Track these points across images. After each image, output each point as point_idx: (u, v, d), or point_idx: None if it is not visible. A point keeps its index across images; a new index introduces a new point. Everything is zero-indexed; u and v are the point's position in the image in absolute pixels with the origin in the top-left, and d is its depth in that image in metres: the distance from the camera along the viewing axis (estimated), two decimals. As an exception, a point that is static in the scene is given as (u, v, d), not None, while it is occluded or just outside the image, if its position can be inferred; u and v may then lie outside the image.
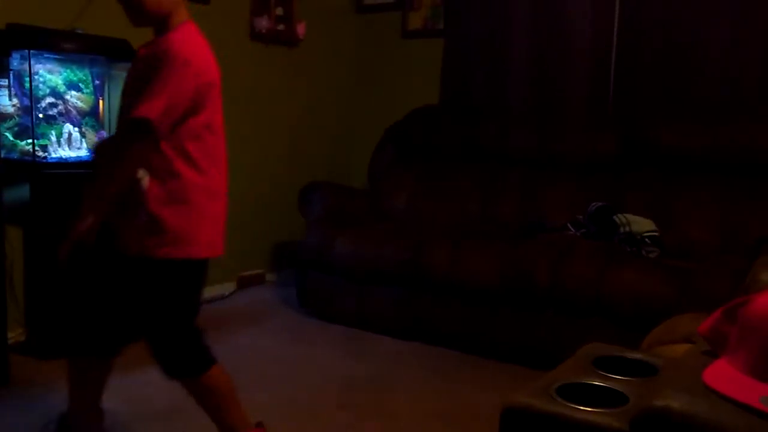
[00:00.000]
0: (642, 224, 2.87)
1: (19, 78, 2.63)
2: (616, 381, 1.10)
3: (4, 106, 2.56)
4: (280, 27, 3.85)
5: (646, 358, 1.20)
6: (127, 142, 1.66)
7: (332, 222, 3.29)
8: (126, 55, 2.83)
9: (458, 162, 3.65)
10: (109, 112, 2.97)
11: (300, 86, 4.05)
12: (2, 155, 2.38)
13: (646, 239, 2.82)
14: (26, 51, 2.54)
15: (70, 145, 2.71)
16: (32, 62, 2.57)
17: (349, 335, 3.06)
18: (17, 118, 2.65)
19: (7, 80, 2.59)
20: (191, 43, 1.71)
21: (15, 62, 2.60)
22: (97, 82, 2.93)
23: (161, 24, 1.73)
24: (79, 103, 2.85)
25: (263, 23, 3.70)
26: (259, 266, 3.94)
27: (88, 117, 2.89)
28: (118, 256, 1.73)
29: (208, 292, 3.60)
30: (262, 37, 3.76)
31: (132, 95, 1.67)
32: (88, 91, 2.89)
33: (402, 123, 3.85)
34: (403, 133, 3.83)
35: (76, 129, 2.77)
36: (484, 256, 2.82)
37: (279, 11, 3.84)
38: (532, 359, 2.68)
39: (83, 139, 2.78)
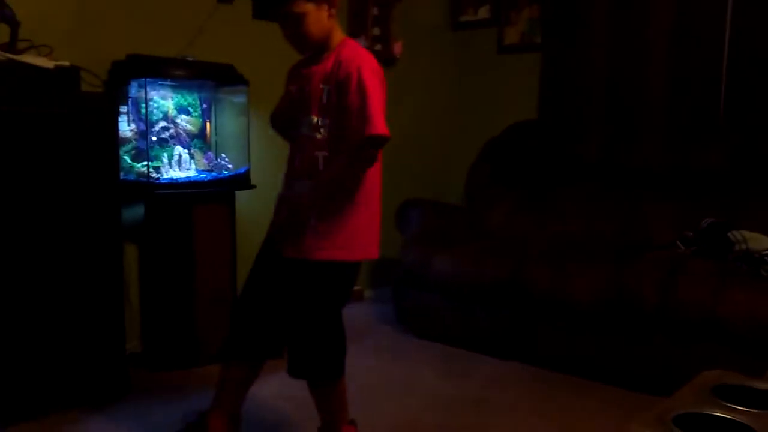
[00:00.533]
0: (761, 241, 2.69)
1: (136, 104, 2.80)
2: (740, 413, 1.02)
3: (123, 131, 2.73)
4: (378, 47, 3.92)
5: (774, 388, 1.12)
6: (370, 159, 1.84)
7: (429, 239, 3.28)
8: (231, 79, 2.97)
9: (557, 178, 3.56)
10: (216, 134, 3.11)
11: (397, 104, 4.07)
12: (121, 177, 2.53)
13: (766, 257, 2.64)
14: (143, 79, 2.71)
15: (180, 166, 2.86)
16: (148, 89, 2.73)
17: (447, 354, 3.04)
18: (134, 142, 2.82)
19: (126, 107, 2.77)
20: (365, 54, 1.85)
21: (133, 90, 2.77)
22: (204, 105, 3.07)
23: (324, 45, 1.87)
24: (189, 126, 3.00)
25: (361, 43, 3.77)
26: (357, 283, 3.97)
27: (197, 139, 3.03)
28: (281, 260, 1.87)
29: (308, 307, 3.67)
30: (359, 58, 3.83)
31: (327, 113, 1.82)
32: (196, 114, 3.04)
33: (499, 139, 3.80)
34: (500, 149, 3.78)
35: (186, 151, 2.91)
36: (586, 275, 2.72)
37: (376, 31, 3.90)
38: (640, 383, 2.55)
39: (192, 160, 2.92)
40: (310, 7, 1.79)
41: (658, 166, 3.27)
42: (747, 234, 2.73)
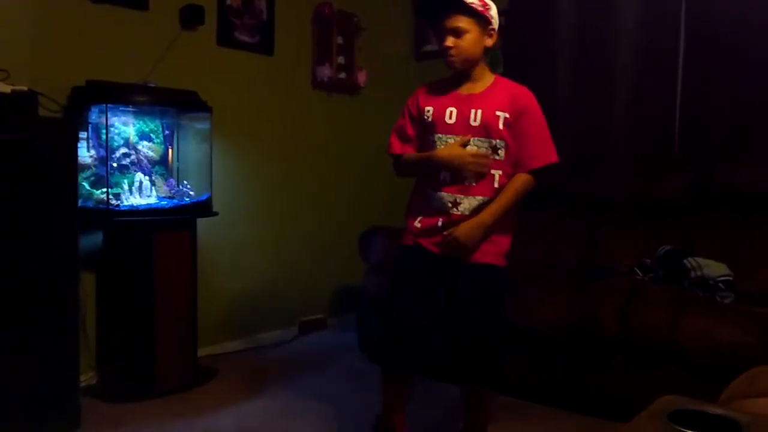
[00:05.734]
0: (715, 268, 2.75)
1: (96, 131, 2.76)
2: (695, 438, 1.04)
3: (82, 157, 2.69)
4: (342, 75, 3.95)
5: (728, 413, 1.13)
6: (533, 187, 2.08)
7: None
8: (194, 106, 2.95)
9: (518, 207, 3.59)
10: (178, 160, 3.09)
11: (361, 133, 4.12)
12: (79, 204, 2.48)
13: (720, 284, 2.70)
14: (104, 105, 2.67)
15: (140, 193, 2.82)
16: (108, 115, 2.70)
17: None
18: (94, 169, 2.77)
19: (86, 133, 2.73)
20: (529, 90, 2.09)
21: (93, 116, 2.74)
22: (166, 132, 3.05)
23: (471, 70, 2.07)
24: (150, 153, 2.97)
25: (325, 72, 3.80)
26: (320, 311, 3.96)
27: (158, 165, 3.00)
28: (456, 270, 2.05)
29: (270, 336, 3.64)
30: (323, 86, 3.86)
31: (508, 137, 2.03)
32: (158, 140, 3.01)
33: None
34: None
35: (147, 177, 2.88)
36: (548, 302, 2.75)
37: (340, 60, 3.94)
38: (601, 409, 2.57)
39: (153, 187, 2.89)
40: (473, 27, 2.01)
41: (619, 195, 3.33)
42: (702, 261, 2.79)
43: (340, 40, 3.92)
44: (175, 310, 2.84)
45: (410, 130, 2.19)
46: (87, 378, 2.78)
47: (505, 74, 4.06)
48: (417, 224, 2.14)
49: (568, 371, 2.69)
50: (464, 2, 1.97)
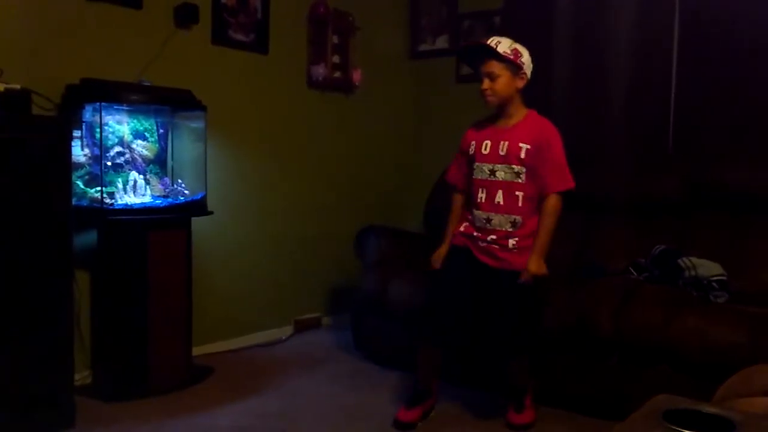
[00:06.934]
0: (709, 268, 2.76)
1: (90, 129, 2.75)
2: (689, 437, 1.04)
3: (76, 156, 2.68)
4: (337, 75, 3.94)
5: (721, 412, 1.14)
6: (562, 205, 2.46)
7: (388, 266, 3.28)
8: (189, 105, 2.95)
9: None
10: (172, 159, 3.08)
11: (356, 132, 4.12)
12: (73, 203, 2.48)
13: (714, 283, 2.71)
14: (98, 104, 2.66)
15: (135, 192, 2.81)
16: (103, 114, 2.69)
17: (404, 381, 3.02)
18: (88, 167, 2.76)
19: (80, 132, 2.72)
20: (553, 125, 2.49)
21: (87, 114, 2.73)
22: (161, 130, 3.04)
23: (505, 107, 2.48)
24: (145, 152, 2.96)
25: (320, 71, 3.80)
26: (315, 310, 3.96)
27: (153, 164, 2.99)
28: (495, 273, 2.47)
29: (265, 336, 3.64)
30: (319, 85, 3.85)
31: (530, 164, 2.43)
32: (153, 139, 3.00)
33: (457, 166, 3.84)
34: (458, 177, 3.81)
35: (141, 176, 2.87)
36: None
37: (335, 59, 3.93)
38: (595, 408, 2.58)
39: (147, 186, 2.88)
40: (505, 72, 2.41)
41: (613, 194, 3.34)
42: (696, 260, 2.80)
43: (335, 39, 3.92)
44: (170, 309, 2.83)
45: (462, 164, 2.65)
46: (81, 377, 2.77)
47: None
48: (461, 229, 2.59)
49: (563, 370, 2.69)
50: (497, 51, 2.37)
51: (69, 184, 2.42)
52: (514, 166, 2.43)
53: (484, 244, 2.49)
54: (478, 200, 2.51)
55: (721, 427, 1.07)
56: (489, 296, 2.49)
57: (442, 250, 2.63)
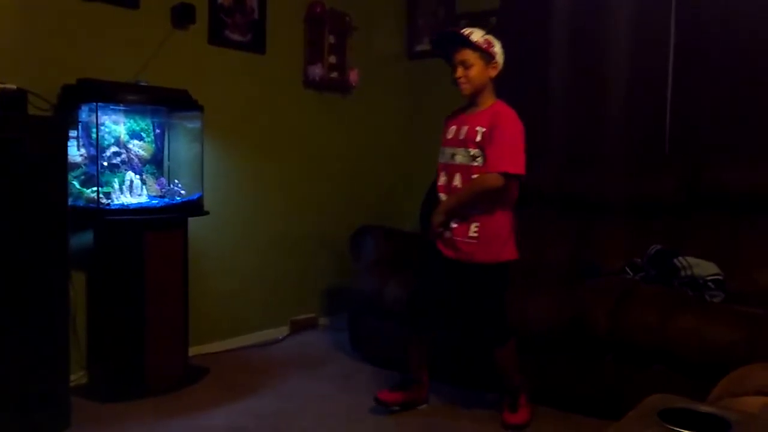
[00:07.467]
0: (705, 267, 2.77)
1: (86, 129, 2.75)
2: (685, 436, 1.05)
3: (72, 156, 2.67)
4: (334, 75, 3.94)
5: (717, 411, 1.14)
6: (499, 185, 2.41)
7: (384, 266, 3.28)
8: (185, 105, 2.95)
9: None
10: (169, 159, 3.08)
11: (353, 132, 4.12)
12: (69, 203, 2.47)
13: (710, 283, 2.72)
14: (94, 104, 2.66)
15: (131, 192, 2.81)
16: (99, 114, 2.69)
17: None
18: (84, 167, 2.76)
19: (76, 132, 2.72)
20: (513, 112, 2.49)
21: (83, 114, 2.73)
22: (157, 131, 3.04)
23: (477, 96, 2.52)
24: (141, 152, 2.95)
25: (317, 71, 3.80)
26: (311, 310, 3.96)
27: (149, 164, 2.99)
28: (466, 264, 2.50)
29: (261, 336, 3.63)
30: (315, 85, 3.85)
31: (484, 147, 2.44)
32: (149, 139, 3.00)
33: (454, 166, 3.84)
34: (454, 177, 3.81)
35: (137, 176, 2.87)
36: (540, 301, 2.76)
37: (332, 59, 3.93)
38: (592, 408, 2.58)
39: (144, 186, 2.87)
40: (478, 61, 2.45)
41: (609, 194, 3.34)
42: (692, 260, 2.80)
43: (332, 39, 3.92)
44: (166, 310, 2.83)
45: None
46: (77, 377, 2.77)
47: (496, 74, 4.07)
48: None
49: (558, 370, 2.70)
50: (470, 41, 2.42)
51: (65, 184, 2.41)
52: (470, 149, 2.47)
53: (449, 235, 2.51)
54: (439, 183, 2.59)
55: (717, 427, 1.07)
56: (458, 289, 2.56)
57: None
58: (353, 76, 3.99)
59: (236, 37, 3.43)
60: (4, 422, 2.22)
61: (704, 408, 1.16)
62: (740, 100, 3.24)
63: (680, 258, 2.83)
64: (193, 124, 3.04)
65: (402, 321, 2.78)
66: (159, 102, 2.92)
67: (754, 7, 3.19)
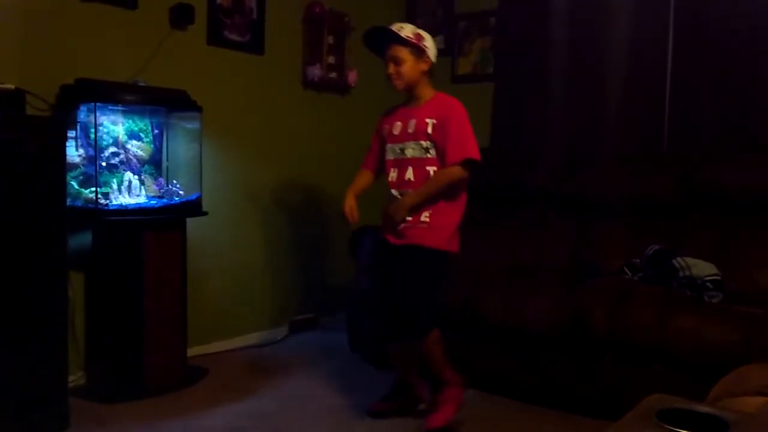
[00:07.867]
0: (703, 268, 2.77)
1: (85, 129, 2.75)
2: (683, 436, 1.05)
3: (71, 156, 2.67)
4: (332, 75, 3.94)
5: (715, 412, 1.14)
6: (464, 176, 2.47)
7: (383, 266, 3.28)
8: (184, 105, 2.94)
9: (508, 206, 3.61)
10: (167, 160, 3.07)
11: (351, 132, 4.11)
12: (68, 203, 2.47)
13: (708, 284, 2.72)
14: (92, 104, 2.66)
15: (129, 193, 2.81)
16: (97, 114, 2.69)
17: (401, 381, 3.03)
18: (82, 168, 2.76)
19: (74, 132, 2.71)
20: (457, 100, 2.54)
21: (82, 115, 2.72)
22: (156, 131, 3.03)
23: (413, 90, 2.54)
24: (139, 152, 2.95)
25: (315, 72, 3.80)
26: (311, 310, 3.95)
27: (147, 165, 2.99)
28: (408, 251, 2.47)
29: (261, 336, 3.63)
30: (314, 85, 3.85)
31: (437, 138, 2.46)
32: (147, 140, 3.00)
33: (452, 167, 3.84)
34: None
35: (136, 177, 2.86)
36: (539, 301, 2.76)
37: (331, 60, 3.93)
38: (591, 408, 2.58)
39: (142, 186, 2.87)
40: (409, 56, 2.47)
41: (608, 194, 3.34)
42: (690, 260, 2.80)
43: (330, 39, 3.92)
44: (165, 310, 2.83)
45: (374, 146, 2.73)
46: (76, 378, 2.76)
47: (495, 75, 4.10)
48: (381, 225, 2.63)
49: (557, 370, 2.70)
50: (400, 36, 2.44)
51: (64, 184, 2.41)
52: (422, 141, 2.48)
53: (401, 227, 2.50)
54: (390, 179, 2.58)
55: (715, 427, 1.07)
56: (395, 272, 2.49)
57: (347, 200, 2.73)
58: (352, 76, 3.99)
59: (235, 37, 3.43)
60: (3, 423, 2.22)
61: (702, 408, 1.16)
62: (739, 100, 3.24)
63: (679, 258, 2.83)
64: (192, 125, 3.04)
65: (376, 330, 2.78)
66: (157, 102, 2.92)
67: (754, 7, 3.20)
